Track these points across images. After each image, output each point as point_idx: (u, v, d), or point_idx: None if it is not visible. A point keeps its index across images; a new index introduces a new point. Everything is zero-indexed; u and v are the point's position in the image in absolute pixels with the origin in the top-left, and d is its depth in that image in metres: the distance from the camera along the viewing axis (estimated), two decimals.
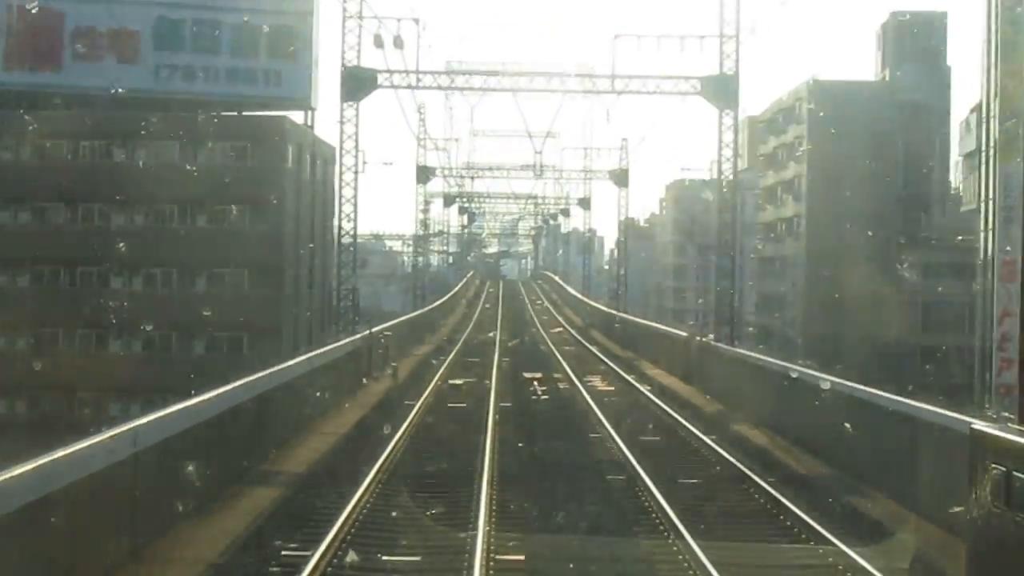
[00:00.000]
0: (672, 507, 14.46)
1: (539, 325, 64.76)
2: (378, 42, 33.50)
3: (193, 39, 54.77)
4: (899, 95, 68.75)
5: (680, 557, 12.61)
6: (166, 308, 49.07)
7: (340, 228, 36.94)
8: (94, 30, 54.15)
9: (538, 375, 34.67)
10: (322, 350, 25.54)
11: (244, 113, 55.54)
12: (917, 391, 21.20)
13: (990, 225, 46.82)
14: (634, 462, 18.05)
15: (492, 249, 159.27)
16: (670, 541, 13.32)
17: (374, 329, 32.13)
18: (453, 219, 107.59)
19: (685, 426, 23.21)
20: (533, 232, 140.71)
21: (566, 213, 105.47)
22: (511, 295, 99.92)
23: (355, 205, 36.25)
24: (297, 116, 55.95)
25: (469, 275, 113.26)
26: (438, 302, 68.03)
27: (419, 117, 65.13)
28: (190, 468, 13.27)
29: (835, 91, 69.19)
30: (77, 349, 50.11)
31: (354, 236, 36.93)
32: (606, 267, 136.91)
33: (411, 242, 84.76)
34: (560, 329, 62.53)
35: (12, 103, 51.46)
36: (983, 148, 47.67)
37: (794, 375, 20.82)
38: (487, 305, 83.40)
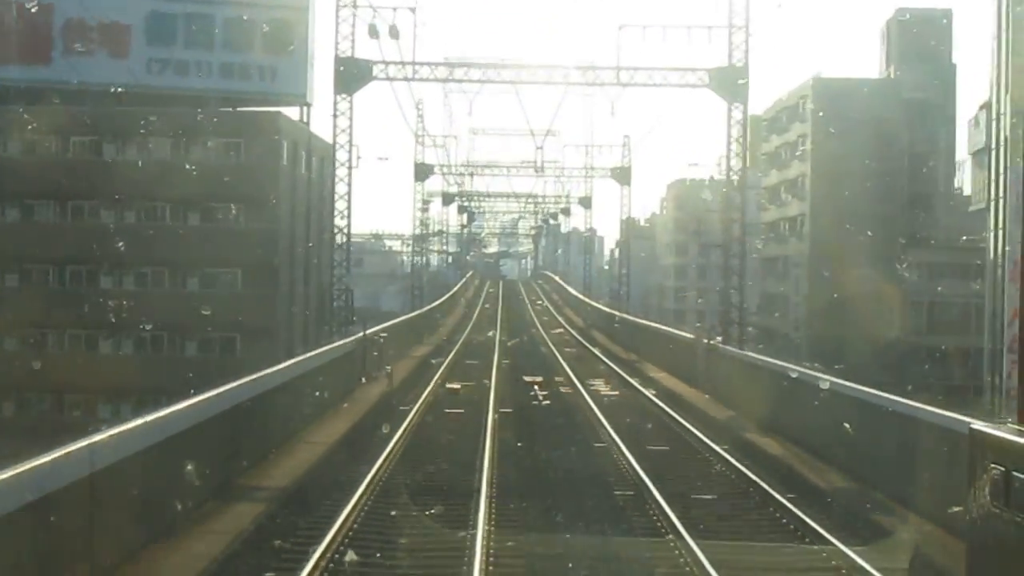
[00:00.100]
0: (687, 529, 13.25)
1: (540, 326, 63.70)
2: (373, 32, 32.23)
3: (186, 33, 53.58)
4: (903, 93, 68.17)
5: None
6: (157, 308, 47.87)
7: (334, 225, 35.73)
8: (84, 24, 52.93)
9: (539, 378, 33.52)
10: (310, 355, 24.31)
11: (238, 109, 54.35)
12: (941, 397, 20.01)
13: (1000, 224, 45.85)
14: (643, 475, 16.85)
15: (492, 249, 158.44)
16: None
17: (368, 331, 30.93)
18: (452, 218, 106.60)
19: (695, 434, 22.01)
20: (533, 232, 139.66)
21: (567, 212, 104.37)
22: (511, 295, 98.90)
23: (349, 201, 35.12)
24: (293, 112, 54.86)
25: (469, 275, 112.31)
26: (437, 302, 66.99)
27: (417, 113, 63.90)
28: (159, 486, 12.09)
29: (839, 89, 68.32)
30: (66, 350, 49.02)
31: (347, 233, 35.75)
32: (606, 267, 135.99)
33: (410, 242, 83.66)
34: (561, 330, 61.52)
35: None
36: (993, 146, 46.69)
37: (824, 385, 19.12)
38: (487, 305, 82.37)
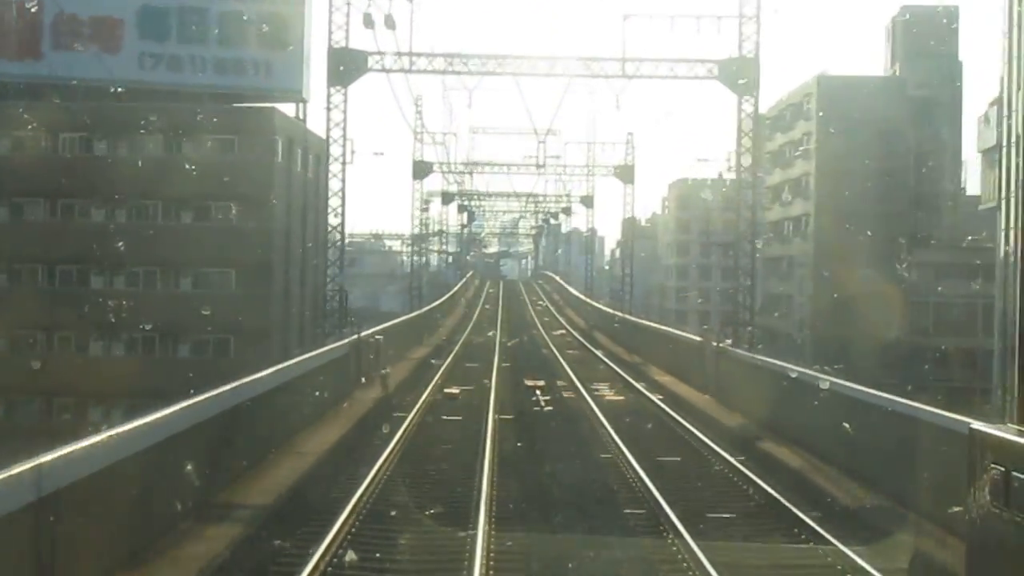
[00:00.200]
0: (706, 554, 12.06)
1: (540, 326, 62.58)
2: (368, 22, 30.95)
3: (179, 28, 52.40)
4: (909, 91, 67.29)
5: None
6: (149, 308, 46.71)
7: (327, 223, 34.52)
8: (75, 18, 51.77)
9: (541, 382, 32.30)
10: (300, 359, 23.05)
11: (233, 105, 53.13)
12: (959, 399, 18.81)
13: (1010, 223, 44.77)
14: (655, 492, 15.64)
15: (492, 249, 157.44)
16: None
17: (363, 333, 29.71)
18: (452, 218, 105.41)
19: (708, 444, 20.77)
20: (533, 231, 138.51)
21: (568, 211, 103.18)
22: (511, 295, 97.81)
23: (343, 197, 33.89)
24: (288, 108, 53.66)
25: (469, 275, 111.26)
26: (437, 302, 65.85)
27: (416, 109, 62.64)
28: (121, 511, 10.88)
29: (843, 87, 67.37)
30: (55, 351, 47.83)
31: (342, 231, 34.56)
32: (607, 267, 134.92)
33: (410, 242, 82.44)
34: (563, 331, 60.40)
35: None
36: (1004, 143, 45.64)
37: (864, 400, 17.46)
38: (487, 305, 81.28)
